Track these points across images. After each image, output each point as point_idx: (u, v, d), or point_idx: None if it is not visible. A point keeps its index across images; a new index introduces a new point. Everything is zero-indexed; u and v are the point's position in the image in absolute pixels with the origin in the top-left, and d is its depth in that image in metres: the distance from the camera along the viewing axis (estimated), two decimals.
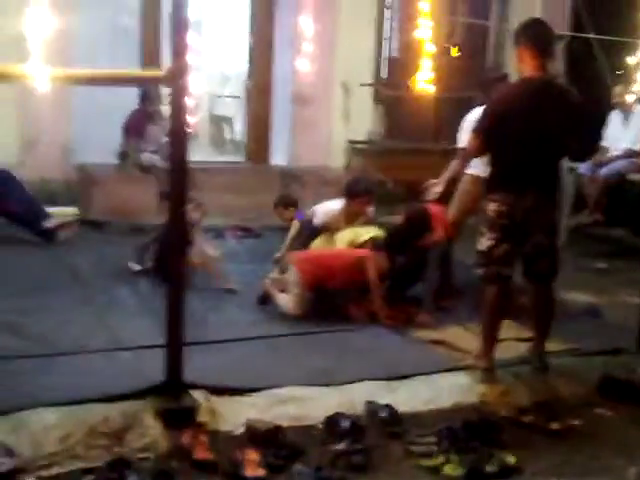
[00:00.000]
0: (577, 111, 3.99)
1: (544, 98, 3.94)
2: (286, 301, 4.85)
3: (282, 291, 4.95)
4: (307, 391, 3.74)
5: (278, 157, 8.53)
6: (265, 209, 7.00)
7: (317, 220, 5.61)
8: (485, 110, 4.13)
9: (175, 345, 3.50)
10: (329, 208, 5.64)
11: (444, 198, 5.39)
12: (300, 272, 4.87)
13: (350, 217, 5.53)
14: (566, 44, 8.61)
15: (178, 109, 3.48)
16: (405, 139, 8.68)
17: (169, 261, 3.64)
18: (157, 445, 3.21)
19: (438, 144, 8.60)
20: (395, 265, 5.03)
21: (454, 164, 5.09)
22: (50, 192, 7.16)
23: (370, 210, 5.65)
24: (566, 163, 5.66)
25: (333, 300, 4.93)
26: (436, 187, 5.29)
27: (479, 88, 5.52)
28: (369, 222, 5.60)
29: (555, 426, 3.60)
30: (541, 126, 3.93)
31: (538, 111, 3.92)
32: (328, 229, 5.57)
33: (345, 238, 5.37)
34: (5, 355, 3.91)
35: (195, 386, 3.57)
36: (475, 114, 4.96)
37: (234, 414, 3.49)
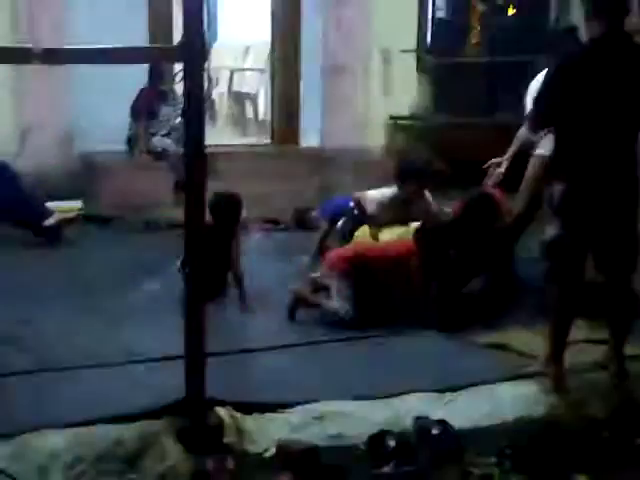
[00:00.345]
0: None
1: (620, 63, 3.89)
2: (335, 305, 4.81)
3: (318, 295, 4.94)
4: (347, 406, 3.75)
5: (309, 138, 8.54)
6: (295, 198, 7.03)
7: (370, 209, 5.55)
8: (548, 77, 4.08)
9: (196, 356, 3.52)
10: (381, 196, 5.58)
11: (508, 181, 5.33)
12: (337, 264, 4.89)
13: (401, 207, 5.48)
14: None
15: (193, 87, 3.50)
16: (455, 113, 8.64)
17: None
18: (177, 471, 3.25)
19: (494, 118, 8.55)
20: (447, 261, 5.01)
21: (520, 136, 5.04)
22: (51, 185, 7.25)
23: (429, 199, 5.57)
24: None
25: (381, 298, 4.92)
26: (500, 167, 5.24)
27: (544, 47, 5.39)
28: (431, 215, 5.51)
29: (639, 441, 3.56)
30: (616, 97, 3.88)
31: (613, 79, 3.87)
32: (376, 222, 5.52)
33: (395, 234, 5.36)
34: (3, 371, 3.97)
35: (219, 402, 3.59)
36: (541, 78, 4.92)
37: (264, 434, 3.52)
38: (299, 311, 4.94)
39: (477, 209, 5.12)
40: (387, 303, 4.92)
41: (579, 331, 4.29)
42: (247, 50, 10.60)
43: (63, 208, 6.87)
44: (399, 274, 4.90)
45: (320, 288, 5.03)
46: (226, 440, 3.45)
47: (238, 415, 3.59)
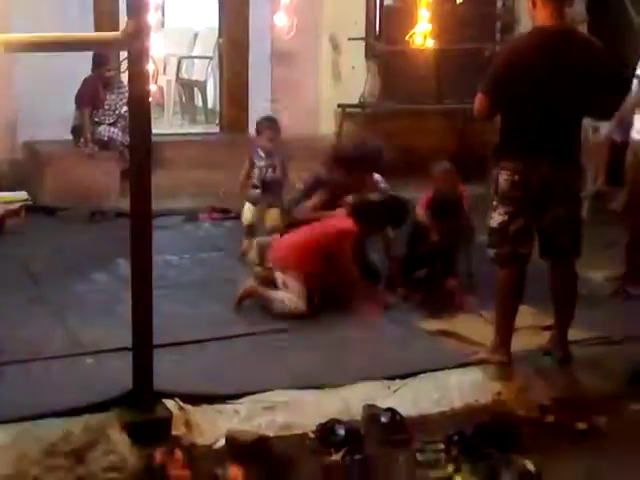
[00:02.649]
0: (600, 63, 4.00)
1: (561, 49, 3.95)
2: (287, 299, 4.81)
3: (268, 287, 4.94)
4: (296, 395, 3.76)
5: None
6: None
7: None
8: (493, 65, 4.13)
9: (143, 348, 3.51)
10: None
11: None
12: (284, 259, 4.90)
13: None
14: None
15: (138, 75, 3.47)
16: (404, 100, 8.67)
17: None
18: (126, 464, 3.22)
19: (442, 104, 8.61)
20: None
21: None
22: None
23: (379, 181, 5.59)
24: (590, 122, 5.67)
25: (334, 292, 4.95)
26: None
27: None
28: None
29: (581, 426, 3.63)
30: (558, 82, 3.94)
31: (555, 65, 3.92)
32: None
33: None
34: None
35: (167, 394, 3.58)
36: None
37: (213, 425, 3.51)
38: (247, 301, 4.92)
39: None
40: (335, 288, 4.95)
41: (524, 317, 4.36)
42: (195, 37, 10.51)
43: (7, 198, 6.76)
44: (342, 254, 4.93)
45: (264, 279, 5.03)
46: (175, 432, 3.44)
47: (186, 407, 3.58)
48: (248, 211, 5.97)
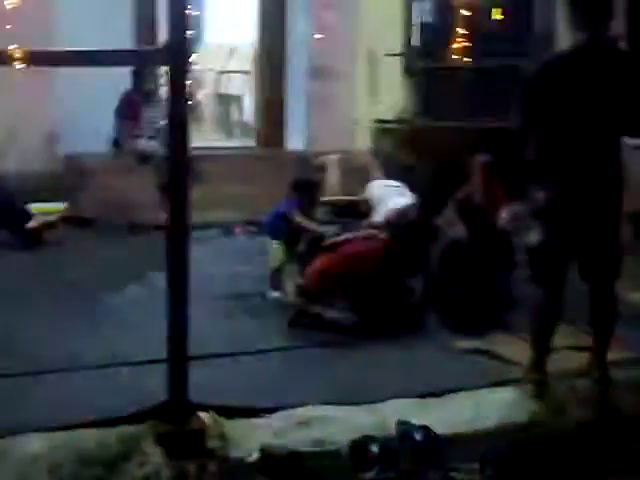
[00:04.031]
0: (638, 80, 3.96)
1: (601, 67, 3.91)
2: (337, 315, 4.84)
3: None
4: (330, 411, 3.75)
5: (294, 141, 8.53)
6: (279, 200, 7.01)
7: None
8: (528, 81, 4.10)
9: (178, 359, 3.52)
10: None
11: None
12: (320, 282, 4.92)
13: None
14: (627, 1, 8.50)
15: (177, 89, 3.49)
16: (441, 117, 8.65)
17: None
18: (159, 475, 3.23)
19: (479, 121, 8.57)
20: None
21: None
22: (35, 186, 7.21)
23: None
24: (630, 141, 5.61)
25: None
26: None
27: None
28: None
29: (618, 448, 3.57)
30: (598, 100, 3.90)
31: (594, 83, 3.89)
32: None
33: None
34: None
35: (202, 406, 3.58)
36: None
37: (247, 438, 3.51)
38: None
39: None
40: (376, 303, 4.93)
41: (563, 337, 4.30)
42: (233, 52, 10.59)
43: (46, 209, 6.84)
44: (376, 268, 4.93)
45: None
46: (208, 445, 3.44)
47: (221, 420, 3.58)
48: (278, 250, 5.56)
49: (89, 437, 3.35)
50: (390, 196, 6.13)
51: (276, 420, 3.66)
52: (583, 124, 3.92)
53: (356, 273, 4.91)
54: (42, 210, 6.75)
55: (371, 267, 4.94)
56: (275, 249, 5.48)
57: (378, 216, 5.77)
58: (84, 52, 3.74)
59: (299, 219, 5.43)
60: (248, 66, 9.75)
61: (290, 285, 5.25)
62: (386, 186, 6.21)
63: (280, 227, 5.48)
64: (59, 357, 4.24)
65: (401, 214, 5.53)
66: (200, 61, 10.69)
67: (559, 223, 3.98)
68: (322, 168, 6.02)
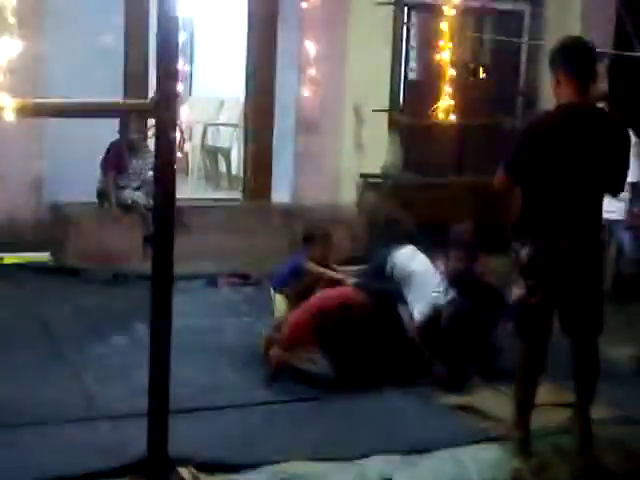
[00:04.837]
0: (621, 143, 4.01)
1: (584, 128, 3.96)
2: (316, 368, 4.79)
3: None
4: (313, 467, 3.70)
5: (280, 193, 8.56)
6: (265, 252, 7.02)
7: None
8: (516, 140, 4.14)
9: (159, 414, 3.47)
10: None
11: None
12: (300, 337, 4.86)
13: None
14: (610, 63, 8.66)
15: (165, 142, 3.52)
16: (425, 172, 8.72)
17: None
18: None
19: (463, 177, 8.65)
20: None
21: None
22: (19, 234, 7.19)
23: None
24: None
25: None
26: None
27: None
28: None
29: None
30: (582, 160, 3.94)
31: (578, 143, 3.93)
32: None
33: None
34: None
35: (182, 461, 3.53)
36: None
37: None
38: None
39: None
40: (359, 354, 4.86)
41: (545, 393, 4.28)
42: (221, 105, 10.67)
43: (29, 259, 6.81)
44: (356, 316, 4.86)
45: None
46: None
47: (202, 475, 3.52)
48: (281, 303, 5.43)
49: None
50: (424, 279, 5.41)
51: (257, 476, 3.61)
52: (567, 183, 3.95)
53: (328, 322, 4.83)
54: (25, 259, 6.70)
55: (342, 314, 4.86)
56: (279, 302, 5.42)
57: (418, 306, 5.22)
58: (75, 103, 3.77)
59: (315, 269, 5.38)
60: (236, 119, 9.82)
61: None
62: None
63: (289, 280, 5.43)
64: (37, 408, 4.17)
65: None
66: (188, 113, 10.76)
67: (543, 279, 3.99)
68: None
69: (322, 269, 5.37)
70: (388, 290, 5.11)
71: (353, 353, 4.86)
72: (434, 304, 4.99)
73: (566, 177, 3.95)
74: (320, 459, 3.76)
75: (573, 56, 4.03)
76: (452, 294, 5.05)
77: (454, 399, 4.62)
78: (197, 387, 4.56)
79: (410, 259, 5.21)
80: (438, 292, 5.04)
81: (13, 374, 4.60)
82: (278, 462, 3.70)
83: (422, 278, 5.10)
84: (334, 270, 5.45)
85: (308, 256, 5.41)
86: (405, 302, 5.08)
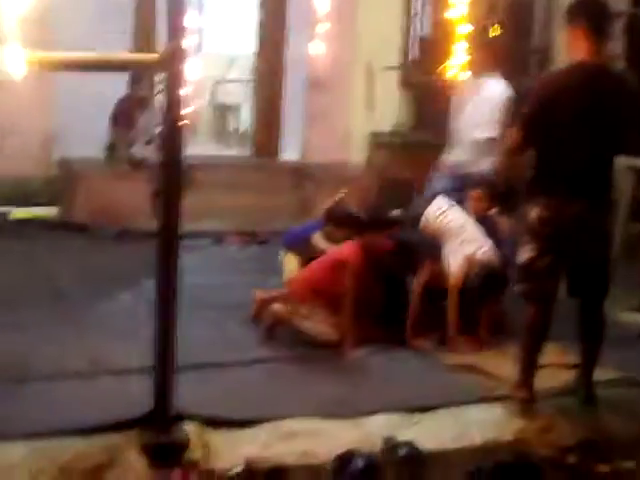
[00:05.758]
0: (635, 101, 3.97)
1: (598, 87, 3.92)
2: (315, 327, 4.75)
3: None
4: (316, 424, 3.73)
5: (289, 151, 8.53)
6: (273, 211, 7.02)
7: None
8: (528, 99, 4.11)
9: (164, 369, 3.49)
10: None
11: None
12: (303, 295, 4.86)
13: None
14: (626, 22, 8.53)
15: (173, 97, 3.49)
16: (437, 131, 8.65)
17: None
18: None
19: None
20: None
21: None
22: (28, 190, 7.20)
23: None
24: (624, 160, 5.61)
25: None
26: None
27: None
28: None
29: (604, 469, 3.57)
30: (594, 119, 3.91)
31: (591, 102, 3.90)
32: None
33: None
34: None
35: (187, 417, 3.56)
36: None
37: (231, 450, 3.48)
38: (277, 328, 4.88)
39: None
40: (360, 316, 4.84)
41: (550, 355, 4.29)
42: (232, 61, 10.59)
43: (36, 214, 6.82)
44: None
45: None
46: (192, 456, 3.41)
47: (206, 430, 3.55)
48: (290, 263, 5.44)
49: (71, 446, 3.32)
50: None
51: (261, 432, 3.63)
52: (577, 142, 3.93)
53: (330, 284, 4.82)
54: (32, 215, 6.71)
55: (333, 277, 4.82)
56: (289, 261, 5.43)
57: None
58: (84, 58, 3.74)
59: (320, 244, 5.36)
60: (246, 76, 9.76)
61: None
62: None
63: (299, 242, 5.44)
64: (43, 364, 4.20)
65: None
66: (198, 70, 10.68)
67: (550, 239, 3.98)
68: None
69: (326, 246, 5.33)
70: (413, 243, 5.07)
71: (355, 313, 4.87)
72: (469, 257, 4.97)
73: (577, 136, 3.92)
74: (324, 416, 3.78)
75: (587, 14, 3.98)
76: (488, 248, 5.03)
77: (458, 358, 4.63)
78: (202, 344, 4.56)
79: (443, 212, 5.21)
80: (474, 246, 5.02)
81: (18, 331, 4.61)
82: (281, 419, 3.72)
83: (456, 231, 5.10)
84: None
85: (323, 229, 5.39)
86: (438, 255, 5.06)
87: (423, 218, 5.26)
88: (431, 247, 5.11)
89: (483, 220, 5.27)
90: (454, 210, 5.24)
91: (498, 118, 5.81)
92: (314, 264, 5.03)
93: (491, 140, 5.79)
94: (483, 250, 5.02)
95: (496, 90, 6.00)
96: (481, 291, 4.93)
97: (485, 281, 4.92)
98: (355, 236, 5.05)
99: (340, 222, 5.34)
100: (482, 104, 5.99)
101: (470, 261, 4.96)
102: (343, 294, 4.73)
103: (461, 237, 5.09)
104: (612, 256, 4.28)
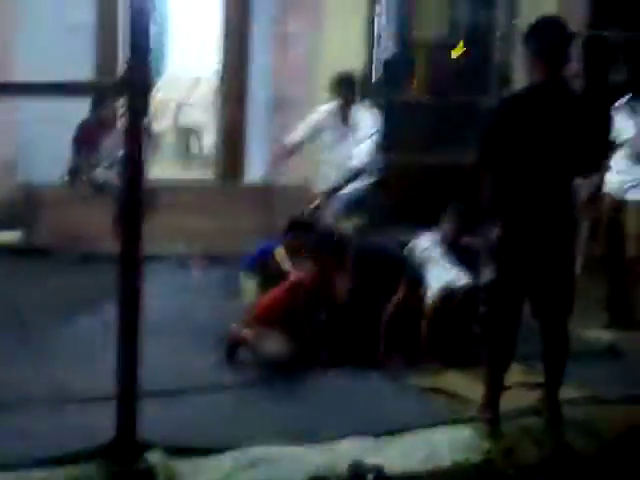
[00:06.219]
0: (591, 123, 4.02)
1: (555, 108, 3.96)
2: (273, 347, 4.74)
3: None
4: (281, 451, 3.69)
5: (253, 173, 8.50)
6: (237, 234, 6.97)
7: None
8: (487, 122, 4.14)
9: (127, 398, 3.46)
10: None
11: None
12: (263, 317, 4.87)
13: None
14: (584, 42, 8.66)
15: (134, 120, 3.47)
16: (400, 151, 8.69)
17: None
18: None
19: (437, 156, 8.64)
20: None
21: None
22: None
23: None
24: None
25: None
26: None
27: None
28: None
29: None
30: (551, 140, 3.94)
31: (549, 124, 3.93)
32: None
33: None
34: None
35: (151, 445, 3.52)
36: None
37: (197, 478, 3.44)
38: (238, 351, 4.87)
39: None
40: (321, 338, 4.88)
41: (515, 375, 4.31)
42: (196, 83, 10.58)
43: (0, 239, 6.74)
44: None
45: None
46: None
47: (171, 459, 3.51)
48: (251, 289, 5.49)
49: (35, 477, 3.27)
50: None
51: (227, 460, 3.60)
52: (537, 163, 3.97)
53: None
54: None
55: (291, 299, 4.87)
56: (249, 285, 5.41)
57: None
58: (46, 84, 3.71)
59: (279, 257, 5.37)
60: (210, 98, 9.74)
61: None
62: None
63: (258, 264, 5.41)
64: (3, 392, 4.11)
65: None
66: (161, 92, 10.68)
67: (512, 261, 4.00)
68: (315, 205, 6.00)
69: (288, 264, 5.32)
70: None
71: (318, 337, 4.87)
72: (447, 287, 5.05)
73: (535, 158, 3.96)
74: (290, 442, 3.75)
75: (545, 40, 4.02)
76: (465, 277, 5.11)
77: (425, 381, 4.63)
78: (166, 370, 4.52)
79: (426, 244, 5.32)
80: (451, 275, 5.12)
81: None
82: (248, 446, 3.68)
83: (436, 262, 5.19)
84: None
85: (284, 243, 5.39)
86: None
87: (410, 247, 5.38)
88: (408, 269, 5.16)
89: (455, 247, 5.32)
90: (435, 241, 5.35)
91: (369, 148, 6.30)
92: (274, 290, 5.03)
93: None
94: (456, 279, 5.10)
95: (367, 119, 6.43)
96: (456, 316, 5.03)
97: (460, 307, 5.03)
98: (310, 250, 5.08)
99: (300, 231, 5.38)
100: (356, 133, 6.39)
101: (445, 291, 5.05)
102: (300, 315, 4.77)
103: (439, 267, 5.19)
104: (575, 275, 4.31)
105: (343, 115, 6.49)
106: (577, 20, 8.14)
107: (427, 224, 5.54)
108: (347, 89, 6.49)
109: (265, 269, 5.39)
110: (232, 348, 4.86)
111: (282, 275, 5.24)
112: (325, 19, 8.33)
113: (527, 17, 6.33)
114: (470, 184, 4.89)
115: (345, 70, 6.55)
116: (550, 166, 3.98)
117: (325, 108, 6.64)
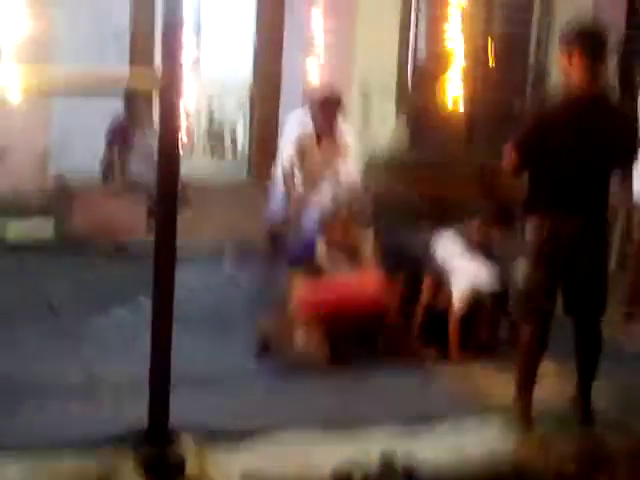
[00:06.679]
0: (628, 132, 4.08)
1: (591, 117, 3.99)
2: (307, 346, 4.78)
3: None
4: (314, 438, 3.75)
5: None
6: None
7: None
8: (525, 126, 4.17)
9: (160, 386, 3.51)
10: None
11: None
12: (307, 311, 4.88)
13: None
14: (621, 51, 8.57)
15: (169, 117, 3.53)
16: (431, 151, 8.71)
17: None
18: None
19: (469, 158, 8.64)
20: None
21: None
22: (24, 206, 7.21)
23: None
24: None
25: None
26: None
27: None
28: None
29: (602, 478, 3.57)
30: (587, 147, 3.98)
31: (585, 133, 3.98)
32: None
33: None
34: None
35: (183, 432, 3.56)
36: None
37: (228, 464, 3.50)
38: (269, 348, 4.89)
39: None
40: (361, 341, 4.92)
41: (547, 372, 4.31)
42: (229, 82, 10.65)
43: (34, 232, 6.83)
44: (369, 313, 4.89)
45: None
46: (189, 470, 3.41)
47: (202, 445, 3.55)
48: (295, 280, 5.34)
49: (67, 462, 3.33)
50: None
51: (259, 445, 3.64)
52: (573, 162, 3.98)
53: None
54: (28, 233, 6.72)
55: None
56: (294, 279, 5.37)
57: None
58: (81, 76, 3.78)
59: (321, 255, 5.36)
60: (243, 97, 9.80)
61: None
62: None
63: (304, 257, 5.42)
64: (40, 380, 4.19)
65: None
66: (195, 89, 10.76)
67: (547, 257, 4.01)
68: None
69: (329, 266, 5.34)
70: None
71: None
72: (473, 289, 5.04)
73: (572, 157, 3.97)
74: (322, 430, 3.80)
75: (583, 44, 4.01)
76: (491, 278, 5.09)
77: (457, 373, 4.65)
78: (198, 358, 4.57)
79: (449, 244, 5.27)
80: (477, 277, 5.09)
81: (13, 348, 4.61)
82: (279, 432, 3.73)
83: (460, 263, 5.15)
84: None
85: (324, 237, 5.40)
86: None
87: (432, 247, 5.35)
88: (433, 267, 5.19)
89: (483, 245, 5.32)
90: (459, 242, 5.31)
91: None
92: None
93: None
94: (482, 278, 5.08)
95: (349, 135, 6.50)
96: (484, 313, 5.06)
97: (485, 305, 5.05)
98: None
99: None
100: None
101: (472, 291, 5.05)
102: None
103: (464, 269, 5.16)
104: (609, 273, 4.31)
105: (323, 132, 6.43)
106: (613, 19, 8.10)
107: (452, 222, 5.54)
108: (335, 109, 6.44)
109: (311, 263, 5.40)
110: (264, 342, 4.89)
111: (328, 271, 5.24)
112: (358, 21, 8.37)
113: (563, 16, 6.32)
114: (500, 183, 4.94)
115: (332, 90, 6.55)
116: (586, 168, 4.02)
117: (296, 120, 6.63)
